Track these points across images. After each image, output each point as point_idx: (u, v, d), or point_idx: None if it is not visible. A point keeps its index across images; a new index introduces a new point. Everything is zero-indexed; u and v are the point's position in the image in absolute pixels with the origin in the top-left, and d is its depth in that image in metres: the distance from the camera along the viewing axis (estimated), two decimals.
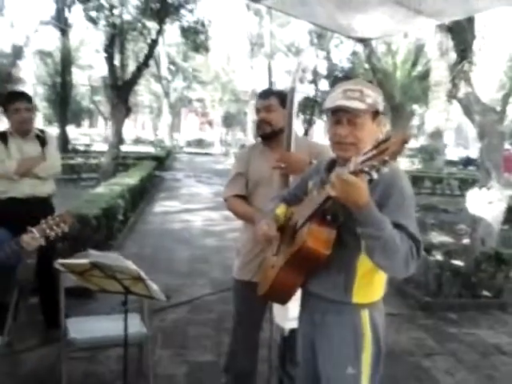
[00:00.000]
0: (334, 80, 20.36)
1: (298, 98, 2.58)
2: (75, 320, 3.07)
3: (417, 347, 4.11)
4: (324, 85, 24.69)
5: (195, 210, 11.06)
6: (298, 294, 1.96)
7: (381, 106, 1.78)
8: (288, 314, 2.47)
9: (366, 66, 15.58)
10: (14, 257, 2.43)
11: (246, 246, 2.75)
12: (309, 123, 23.95)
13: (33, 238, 2.43)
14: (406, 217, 1.68)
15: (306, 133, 23.41)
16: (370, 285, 1.83)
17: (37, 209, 3.46)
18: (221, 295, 4.98)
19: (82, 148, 25.69)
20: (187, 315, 4.55)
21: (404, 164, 18.81)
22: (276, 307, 2.60)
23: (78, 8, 20.56)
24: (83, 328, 2.93)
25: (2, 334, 2.67)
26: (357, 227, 1.63)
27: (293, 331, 2.35)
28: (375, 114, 1.77)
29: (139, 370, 3.03)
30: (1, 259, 2.37)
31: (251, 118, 32.97)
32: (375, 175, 1.48)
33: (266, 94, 2.74)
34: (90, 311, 3.78)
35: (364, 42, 7.94)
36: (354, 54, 23.55)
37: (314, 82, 23.92)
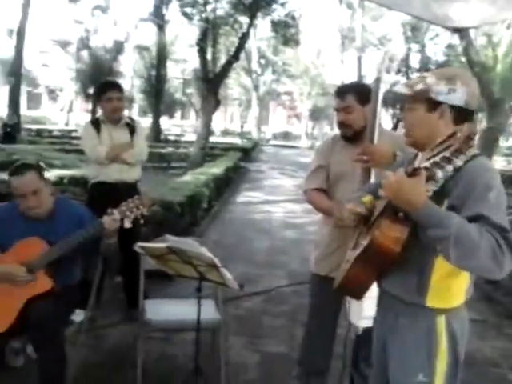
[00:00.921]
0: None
1: (383, 88, 2.46)
2: (153, 302, 3.19)
3: (503, 358, 3.82)
4: None
5: (277, 201, 11.10)
6: (376, 292, 1.90)
7: (440, 96, 1.65)
8: (363, 312, 2.39)
9: (463, 59, 14.75)
10: (96, 237, 2.56)
11: (324, 239, 2.69)
12: (398, 118, 23.17)
13: (114, 219, 2.55)
14: (490, 207, 1.52)
15: (395, 127, 22.69)
16: (448, 289, 1.70)
17: (124, 193, 3.58)
18: (296, 288, 4.96)
19: (173, 138, 26.77)
20: (262, 305, 4.58)
21: (499, 163, 17.68)
22: (351, 304, 2.53)
23: (174, 5, 21.43)
24: (159, 310, 3.03)
25: (85, 309, 2.83)
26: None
27: (367, 330, 2.27)
28: (431, 103, 1.66)
29: (211, 355, 3.09)
30: (85, 239, 2.50)
31: None
32: (440, 173, 1.43)
33: (343, 93, 2.59)
34: (170, 294, 3.89)
35: (460, 31, 7.54)
36: (450, 46, 22.46)
37: (406, 74, 23.07)
